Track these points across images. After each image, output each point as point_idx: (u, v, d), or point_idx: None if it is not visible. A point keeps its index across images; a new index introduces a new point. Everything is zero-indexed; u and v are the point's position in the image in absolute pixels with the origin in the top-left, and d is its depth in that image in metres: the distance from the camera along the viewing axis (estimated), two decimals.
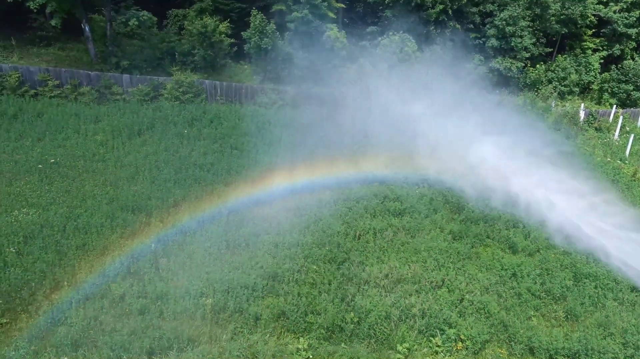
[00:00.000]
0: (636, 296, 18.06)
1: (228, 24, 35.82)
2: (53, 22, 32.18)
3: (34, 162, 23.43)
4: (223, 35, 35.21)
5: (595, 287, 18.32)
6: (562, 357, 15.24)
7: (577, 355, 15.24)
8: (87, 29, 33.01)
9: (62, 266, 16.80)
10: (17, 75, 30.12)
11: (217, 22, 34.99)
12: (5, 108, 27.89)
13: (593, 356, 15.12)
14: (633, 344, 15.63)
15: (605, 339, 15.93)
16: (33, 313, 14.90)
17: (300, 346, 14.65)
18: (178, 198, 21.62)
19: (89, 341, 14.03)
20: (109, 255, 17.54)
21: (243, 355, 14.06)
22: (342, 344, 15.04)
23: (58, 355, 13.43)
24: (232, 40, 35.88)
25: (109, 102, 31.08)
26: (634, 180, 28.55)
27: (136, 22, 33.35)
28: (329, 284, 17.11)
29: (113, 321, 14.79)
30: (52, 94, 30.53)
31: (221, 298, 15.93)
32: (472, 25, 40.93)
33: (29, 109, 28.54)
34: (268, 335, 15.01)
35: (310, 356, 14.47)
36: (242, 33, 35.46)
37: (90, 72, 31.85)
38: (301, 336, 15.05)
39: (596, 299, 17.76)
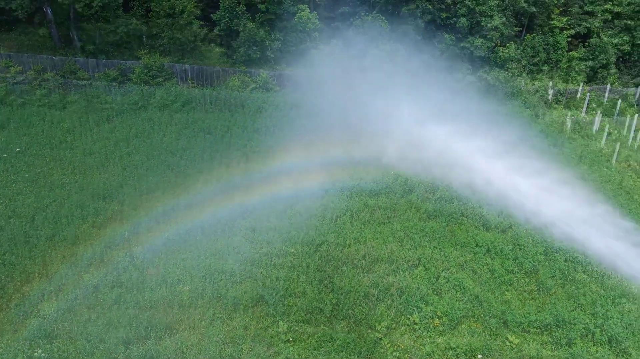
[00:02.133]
0: (604, 267, 18.63)
1: (197, 4, 34.92)
2: (14, 6, 30.82)
3: None
4: (192, 17, 34.34)
5: (565, 260, 18.84)
6: (535, 329, 15.68)
7: (549, 327, 15.70)
8: (49, 12, 31.76)
9: (32, 257, 16.38)
10: None
11: (185, 3, 34.08)
12: None
13: (564, 327, 15.60)
14: (602, 315, 16.17)
15: (575, 310, 16.44)
16: (4, 306, 14.53)
17: (280, 330, 14.67)
18: (151, 185, 21.23)
19: (64, 333, 13.78)
20: (81, 245, 17.18)
21: (223, 341, 14.02)
22: (322, 326, 15.13)
23: (32, 348, 13.14)
24: (202, 22, 35.05)
25: (75, 87, 30.11)
26: (602, 156, 29.27)
27: (100, 4, 32.19)
28: (307, 266, 17.14)
29: (87, 311, 14.55)
30: (15, 81, 29.40)
31: (199, 285, 15.80)
32: (442, 5, 40.92)
33: None
34: (247, 319, 14.98)
35: (290, 339, 14.51)
36: (211, 15, 34.66)
37: (54, 57, 30.78)
38: (280, 320, 15.07)
39: (566, 272, 18.27)
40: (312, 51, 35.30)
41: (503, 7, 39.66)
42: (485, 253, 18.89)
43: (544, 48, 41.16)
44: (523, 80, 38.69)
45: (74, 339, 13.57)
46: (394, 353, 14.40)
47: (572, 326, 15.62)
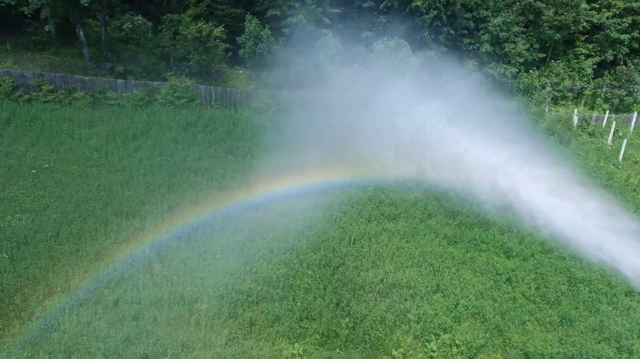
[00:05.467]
0: (630, 300, 18.12)
1: (223, 29, 35.84)
2: (47, 28, 32.16)
3: (28, 167, 23.32)
4: (218, 41, 35.22)
5: (590, 291, 18.38)
6: None
7: None
8: (81, 33, 32.96)
9: (55, 271, 16.70)
10: (10, 80, 30.04)
11: (212, 27, 35.01)
12: None
13: None
14: (627, 349, 15.67)
15: (599, 343, 15.96)
16: (26, 319, 14.79)
17: (295, 352, 14.59)
18: (172, 203, 21.55)
19: (82, 348, 13.93)
20: (103, 261, 17.44)
21: None
22: (337, 350, 14.99)
23: None
24: (227, 45, 35.89)
25: (103, 107, 31.00)
26: (627, 184, 28.70)
27: (130, 26, 33.31)
28: (324, 289, 17.08)
29: (107, 327, 14.70)
30: (46, 99, 30.47)
31: (216, 304, 15.86)
32: (466, 31, 41.18)
33: (23, 113, 28.46)
34: (263, 340, 14.95)
35: None
36: (237, 38, 35.50)
37: (84, 77, 31.80)
38: (296, 342, 15.00)
39: (590, 303, 17.81)
40: (334, 75, 35.74)
41: (527, 34, 39.72)
42: (506, 281, 18.56)
43: (568, 75, 40.91)
44: (547, 107, 38.41)
45: (93, 354, 13.72)
46: None
47: None
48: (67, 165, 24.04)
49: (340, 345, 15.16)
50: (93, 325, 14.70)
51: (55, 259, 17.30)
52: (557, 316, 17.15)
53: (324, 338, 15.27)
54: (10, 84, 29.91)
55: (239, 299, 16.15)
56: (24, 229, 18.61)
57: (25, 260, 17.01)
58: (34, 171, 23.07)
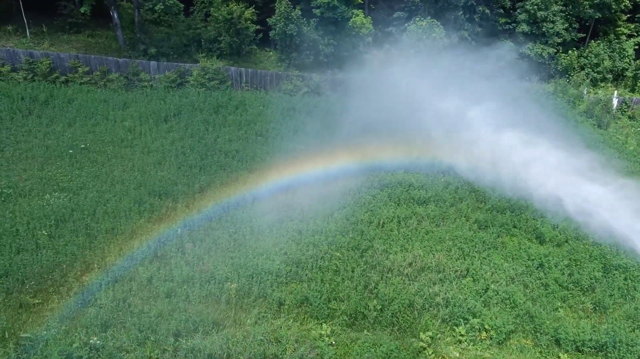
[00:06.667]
0: None
1: (254, 10, 35.77)
2: (82, 9, 32.73)
3: (65, 147, 23.99)
4: (249, 22, 35.19)
5: (625, 279, 17.89)
6: (589, 349, 14.99)
7: (604, 347, 14.96)
8: (115, 15, 33.43)
9: (92, 249, 17.26)
10: (48, 61, 30.78)
11: (243, 9, 34.96)
12: (37, 94, 28.58)
13: (621, 348, 14.80)
14: None
15: (634, 331, 15.58)
16: (64, 294, 15.37)
17: (323, 332, 14.75)
18: (204, 184, 21.89)
19: (118, 322, 14.42)
20: (137, 239, 17.91)
21: (267, 339, 14.24)
22: (365, 331, 15.09)
23: (88, 335, 13.82)
24: (258, 27, 35.83)
25: (137, 88, 31.51)
26: None
27: (162, 8, 33.54)
28: (352, 271, 17.14)
29: (141, 303, 15.16)
30: (82, 81, 31.14)
31: (245, 283, 16.13)
32: (502, 10, 39.88)
33: (60, 95, 29.19)
34: (291, 320, 15.16)
35: (333, 342, 14.57)
36: (267, 19, 35.38)
37: (118, 59, 32.33)
38: (324, 322, 15.16)
39: (626, 291, 17.36)
40: (365, 56, 35.31)
41: (566, 13, 38.23)
42: (538, 267, 18.24)
43: (609, 55, 39.30)
44: (585, 89, 37.10)
45: (128, 329, 14.18)
46: None
47: (630, 347, 14.81)
48: (102, 145, 24.64)
49: (368, 327, 15.25)
50: (128, 301, 15.17)
51: (92, 236, 17.86)
52: (591, 303, 16.81)
53: (352, 320, 15.38)
54: (48, 65, 30.65)
55: (268, 279, 16.38)
56: (62, 207, 19.23)
57: (63, 237, 17.61)
58: (71, 151, 23.72)
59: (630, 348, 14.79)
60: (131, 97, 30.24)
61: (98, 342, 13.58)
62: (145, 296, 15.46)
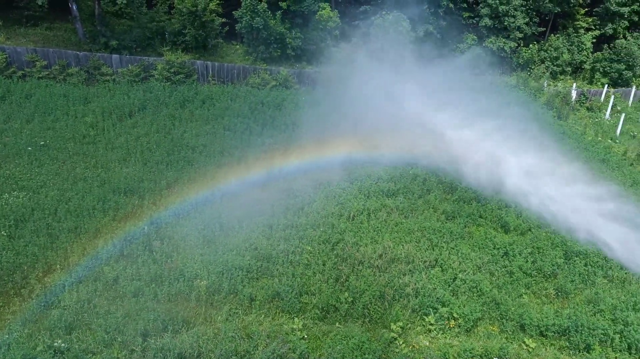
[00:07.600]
0: (626, 273, 18.31)
1: (219, 2, 35.22)
2: (40, 2, 31.50)
3: (23, 144, 23.13)
4: (214, 15, 34.63)
5: (585, 265, 18.56)
6: (553, 333, 15.49)
7: (567, 331, 15.49)
8: (74, 8, 32.33)
9: (54, 249, 16.71)
10: (4, 56, 29.57)
11: (208, 1, 34.38)
12: None
13: (583, 332, 15.36)
14: (622, 321, 15.90)
15: (595, 315, 16.19)
16: (26, 296, 14.84)
17: (295, 326, 14.75)
18: (171, 180, 21.49)
19: (83, 324, 14.03)
20: (102, 238, 17.45)
21: (238, 336, 14.14)
22: (337, 324, 15.17)
23: (52, 338, 13.41)
24: (224, 20, 35.32)
25: (99, 83, 30.64)
26: (624, 159, 28.74)
27: (124, 1, 32.68)
28: (324, 264, 17.19)
29: (107, 303, 14.79)
30: (40, 75, 30.05)
31: (216, 280, 15.96)
32: (465, 5, 40.58)
33: (17, 90, 28.10)
34: (263, 316, 15.09)
35: (305, 336, 14.59)
36: (233, 12, 34.91)
37: (78, 53, 31.33)
38: (296, 317, 15.15)
39: (586, 276, 18.00)
40: (332, 49, 35.31)
41: (527, 7, 39.16)
42: (503, 255, 18.71)
43: (568, 49, 40.53)
44: (546, 81, 38.17)
45: (93, 331, 13.83)
46: (409, 353, 14.36)
47: (591, 331, 15.37)
48: (63, 142, 23.86)
49: (340, 319, 15.33)
50: (93, 302, 14.78)
51: (54, 236, 17.30)
52: (553, 289, 17.36)
53: (324, 313, 15.43)
54: (4, 60, 29.45)
55: (238, 275, 16.25)
56: (21, 207, 18.55)
57: (23, 238, 17.00)
58: (30, 148, 22.90)
59: (591, 331, 15.34)
60: (92, 92, 29.38)
61: (63, 345, 13.19)
62: (111, 296, 15.09)
